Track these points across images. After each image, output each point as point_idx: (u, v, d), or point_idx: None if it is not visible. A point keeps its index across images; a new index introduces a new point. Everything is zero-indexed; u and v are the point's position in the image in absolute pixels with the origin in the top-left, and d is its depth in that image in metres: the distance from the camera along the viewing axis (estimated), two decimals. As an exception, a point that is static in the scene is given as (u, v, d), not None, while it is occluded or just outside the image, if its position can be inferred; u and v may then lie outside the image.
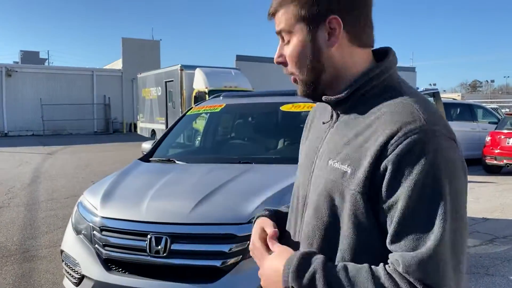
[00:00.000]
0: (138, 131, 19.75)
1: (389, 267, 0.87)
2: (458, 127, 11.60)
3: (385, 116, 0.93)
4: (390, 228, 0.88)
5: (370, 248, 0.93)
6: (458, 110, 12.41)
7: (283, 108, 3.97)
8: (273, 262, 1.00)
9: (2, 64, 25.83)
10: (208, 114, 4.66)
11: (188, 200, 2.70)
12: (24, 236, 5.62)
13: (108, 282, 2.57)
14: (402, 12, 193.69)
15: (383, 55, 1.04)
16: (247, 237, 2.47)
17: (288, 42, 1.02)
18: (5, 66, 25.72)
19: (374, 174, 0.90)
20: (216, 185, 2.87)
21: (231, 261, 2.44)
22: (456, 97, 41.40)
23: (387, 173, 0.88)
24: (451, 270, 0.85)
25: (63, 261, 2.98)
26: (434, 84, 56.02)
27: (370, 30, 1.02)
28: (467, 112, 12.28)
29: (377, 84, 1.00)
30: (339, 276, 0.88)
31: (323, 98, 1.03)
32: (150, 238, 2.52)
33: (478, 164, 11.25)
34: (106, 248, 2.67)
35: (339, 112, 1.04)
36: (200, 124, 5.33)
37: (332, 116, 1.06)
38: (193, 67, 14.53)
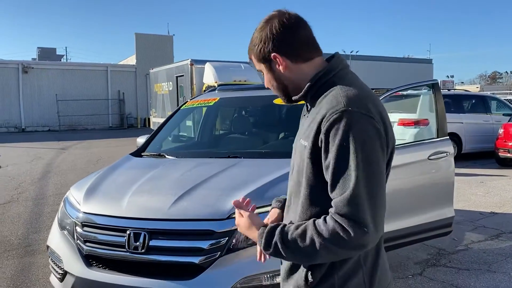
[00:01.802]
0: (151, 126, 19.87)
1: (328, 215, 1.24)
2: (471, 120, 11.35)
3: (322, 103, 1.33)
4: (329, 181, 1.25)
5: (319, 202, 1.30)
6: (471, 102, 12.10)
7: (276, 101, 3.91)
8: (247, 232, 1.45)
9: (18, 61, 26.28)
10: (206, 108, 4.62)
11: (168, 196, 2.68)
12: (28, 231, 5.69)
13: (88, 278, 2.56)
14: (418, 3, 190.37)
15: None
16: (226, 233, 2.45)
17: (263, 74, 1.49)
18: (21, 63, 26.14)
19: (315, 145, 1.29)
20: (199, 181, 2.83)
21: (210, 257, 2.40)
22: (475, 89, 40.59)
23: (322, 144, 1.27)
24: (367, 206, 1.20)
25: (49, 257, 3.00)
26: (452, 76, 55.09)
27: (307, 47, 1.41)
28: (480, 104, 11.96)
29: (325, 82, 1.38)
30: (292, 235, 1.26)
31: (293, 98, 1.46)
32: (129, 234, 2.51)
33: (491, 157, 10.99)
34: (87, 244, 2.66)
35: (309, 107, 1.44)
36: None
37: (308, 110, 1.46)
38: (203, 62, 14.50)
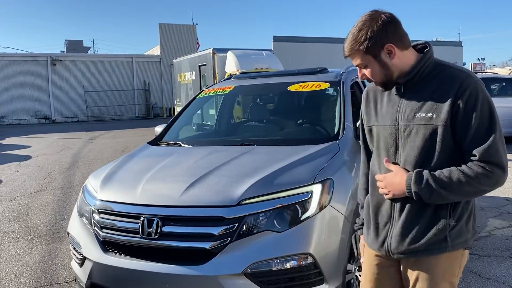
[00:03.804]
0: (176, 116, 20.05)
1: (469, 163, 1.60)
2: (499, 103, 10.91)
3: (447, 80, 1.64)
4: (468, 138, 1.59)
5: (452, 160, 1.63)
6: (500, 85, 11.71)
7: (291, 88, 3.90)
8: (395, 179, 1.69)
9: (47, 54, 26.88)
10: (223, 97, 4.65)
11: (180, 183, 2.73)
12: (56, 218, 5.90)
13: (105, 263, 2.65)
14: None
15: (423, 47, 1.74)
16: (236, 220, 2.49)
17: (366, 67, 1.72)
18: (50, 55, 26.74)
19: (452, 113, 1.60)
20: (210, 168, 2.87)
21: (220, 243, 2.45)
22: (508, 71, 39.13)
23: (460, 109, 1.58)
24: (503, 151, 1.59)
25: (70, 243, 3.11)
26: (483, 59, 53.30)
27: (406, 37, 1.69)
28: (510, 86, 11.56)
29: (427, 66, 1.69)
30: (442, 177, 1.60)
31: (399, 82, 1.72)
32: (143, 221, 2.57)
33: (521, 142, 10.64)
34: (104, 230, 2.74)
35: (404, 88, 1.73)
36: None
37: (399, 91, 1.74)
38: (225, 50, 14.49)
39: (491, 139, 1.56)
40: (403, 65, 1.68)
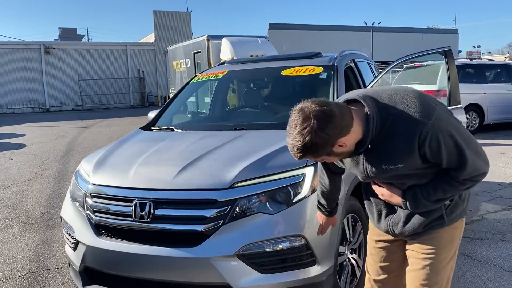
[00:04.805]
0: (171, 104, 19.95)
1: (452, 180, 1.68)
2: (494, 90, 11.00)
3: (402, 135, 1.62)
4: (444, 166, 1.66)
5: (430, 176, 1.72)
6: (494, 71, 11.71)
7: (284, 72, 3.88)
8: (392, 198, 1.81)
9: (40, 42, 26.63)
10: (216, 82, 4.63)
11: (173, 167, 2.72)
12: (50, 205, 5.90)
13: (98, 247, 2.65)
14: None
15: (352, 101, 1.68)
16: (229, 202, 2.49)
17: (323, 159, 1.70)
18: (43, 43, 26.49)
19: (421, 158, 1.64)
20: (203, 152, 2.87)
21: (213, 225, 2.45)
22: (503, 58, 39.14)
23: (427, 154, 1.62)
24: (479, 161, 1.66)
25: (63, 227, 3.11)
26: (479, 46, 53.22)
27: (345, 117, 1.58)
28: (504, 73, 11.55)
29: (375, 128, 1.63)
30: (432, 197, 1.71)
31: (361, 151, 1.68)
32: (135, 204, 2.57)
33: (515, 128, 10.71)
34: (97, 214, 2.74)
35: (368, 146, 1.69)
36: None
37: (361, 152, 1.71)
38: (220, 37, 14.35)
39: (465, 165, 1.63)
40: (356, 140, 1.64)
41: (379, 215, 1.94)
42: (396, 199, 1.78)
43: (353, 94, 1.68)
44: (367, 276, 2.13)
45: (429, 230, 1.81)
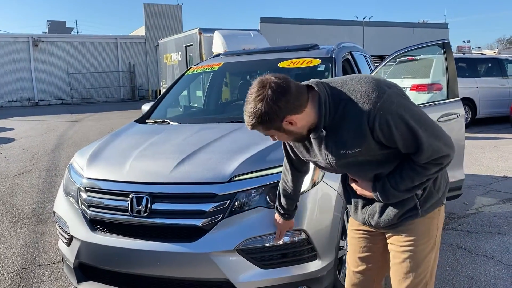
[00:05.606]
0: (162, 98, 19.78)
1: (414, 165, 1.67)
2: (486, 84, 11.05)
3: (354, 119, 1.61)
4: (402, 150, 1.65)
5: (393, 163, 1.73)
6: (487, 65, 11.76)
7: (281, 64, 3.82)
8: (365, 192, 1.82)
9: (28, 34, 26.21)
10: (211, 74, 4.55)
11: (170, 160, 2.66)
12: (41, 200, 5.79)
13: (93, 242, 2.58)
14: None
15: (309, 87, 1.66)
16: (228, 196, 2.43)
17: (273, 135, 1.70)
18: (31, 36, 26.09)
19: (376, 142, 1.63)
20: (201, 145, 2.80)
21: (212, 220, 2.40)
22: (492, 53, 39.43)
23: (380, 138, 1.61)
24: (439, 143, 1.64)
25: (56, 222, 3.03)
26: (469, 41, 53.60)
27: (300, 97, 1.59)
28: (496, 67, 11.60)
29: (329, 112, 1.64)
30: (401, 186, 1.71)
31: (312, 135, 1.70)
32: (132, 198, 2.51)
33: (506, 121, 10.77)
34: (91, 208, 2.67)
35: (323, 131, 1.68)
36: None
37: (317, 136, 1.70)
38: (212, 30, 14.22)
39: (421, 148, 1.61)
40: (308, 123, 1.64)
41: (356, 206, 1.94)
42: (369, 192, 1.79)
43: (311, 80, 1.70)
44: (347, 268, 2.11)
45: (403, 221, 1.80)
